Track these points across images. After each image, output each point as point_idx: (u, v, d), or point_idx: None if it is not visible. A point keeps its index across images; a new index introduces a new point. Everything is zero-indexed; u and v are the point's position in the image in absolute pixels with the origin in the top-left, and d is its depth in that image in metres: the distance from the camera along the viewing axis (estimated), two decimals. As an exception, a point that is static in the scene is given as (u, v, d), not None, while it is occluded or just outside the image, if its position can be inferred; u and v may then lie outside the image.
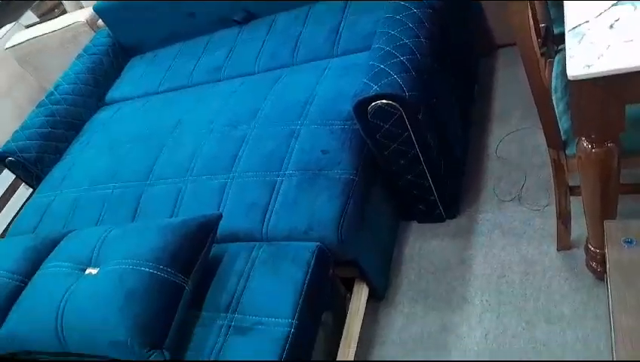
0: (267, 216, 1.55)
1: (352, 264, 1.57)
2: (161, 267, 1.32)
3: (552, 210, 1.62)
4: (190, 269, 1.37)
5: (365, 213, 1.56)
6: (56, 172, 2.29)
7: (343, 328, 1.57)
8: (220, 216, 1.47)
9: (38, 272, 1.50)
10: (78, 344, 1.30)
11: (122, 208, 1.87)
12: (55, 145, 2.39)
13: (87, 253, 1.45)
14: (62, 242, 1.60)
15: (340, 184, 1.50)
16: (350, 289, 1.66)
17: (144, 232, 1.42)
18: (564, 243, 1.58)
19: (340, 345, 1.54)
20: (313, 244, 1.40)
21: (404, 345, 1.61)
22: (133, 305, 1.26)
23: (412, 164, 1.60)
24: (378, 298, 1.71)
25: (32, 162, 2.32)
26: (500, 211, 1.78)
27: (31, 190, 2.91)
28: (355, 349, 1.54)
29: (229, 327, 1.33)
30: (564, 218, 1.49)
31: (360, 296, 1.63)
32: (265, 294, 1.36)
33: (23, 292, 1.48)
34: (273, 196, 1.58)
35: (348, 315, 1.60)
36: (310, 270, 1.35)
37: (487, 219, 1.78)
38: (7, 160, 2.32)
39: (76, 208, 2.01)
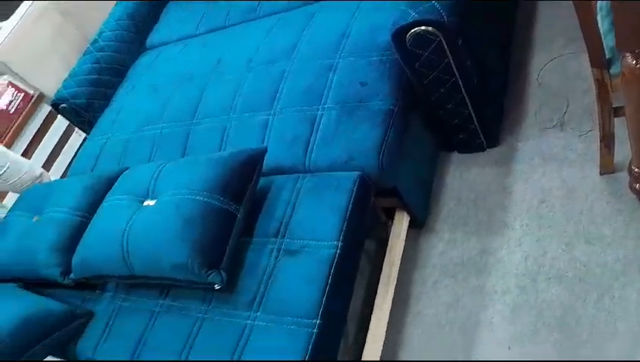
0: (309, 148, 1.60)
1: (393, 193, 1.62)
2: (214, 196, 1.41)
3: (595, 135, 1.61)
4: (241, 198, 1.46)
5: (405, 142, 1.59)
6: (106, 117, 2.40)
7: (384, 255, 1.65)
8: (265, 150, 1.54)
9: (101, 206, 1.62)
10: (143, 268, 1.43)
11: (171, 146, 1.96)
12: (103, 91, 2.49)
13: (143, 187, 1.56)
14: (119, 179, 1.71)
15: (380, 114, 1.53)
16: (391, 219, 1.72)
17: (196, 165, 1.50)
18: (606, 167, 1.57)
19: (383, 269, 1.62)
20: (355, 173, 1.46)
21: (444, 268, 1.68)
22: (190, 230, 1.36)
23: (452, 93, 1.61)
24: (418, 226, 1.77)
25: (84, 108, 2.44)
26: (541, 138, 1.78)
27: (83, 136, 3.07)
28: (397, 272, 1.62)
29: (279, 251, 1.43)
30: (607, 140, 1.48)
31: (401, 223, 1.69)
32: (311, 220, 1.43)
33: (90, 224, 1.61)
34: (314, 129, 1.63)
35: (389, 241, 1.67)
36: (352, 197, 1.41)
37: (528, 147, 1.78)
38: (60, 107, 2.44)
39: (128, 149, 2.13)
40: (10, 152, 2.50)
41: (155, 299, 1.56)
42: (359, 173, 1.46)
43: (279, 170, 1.63)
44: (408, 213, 1.70)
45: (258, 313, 1.34)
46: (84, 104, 2.44)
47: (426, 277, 1.69)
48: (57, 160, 3.17)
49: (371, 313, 1.57)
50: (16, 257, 1.75)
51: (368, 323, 1.56)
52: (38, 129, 3.10)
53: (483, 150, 1.85)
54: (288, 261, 1.39)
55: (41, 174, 2.49)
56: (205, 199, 1.41)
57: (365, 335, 1.54)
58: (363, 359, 1.49)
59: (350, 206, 1.40)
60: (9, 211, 1.99)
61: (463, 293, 1.61)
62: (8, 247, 1.78)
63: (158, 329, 1.48)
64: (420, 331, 1.61)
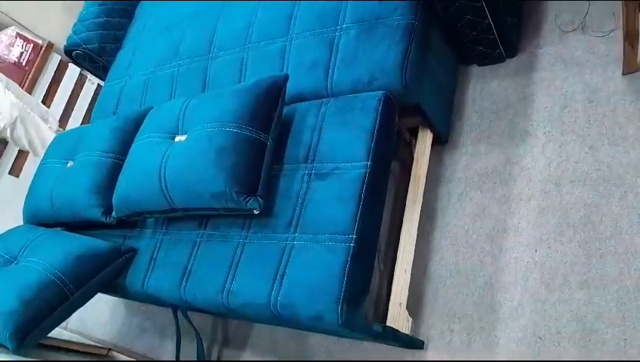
0: (330, 72, 1.61)
1: (416, 111, 1.63)
2: (243, 126, 1.45)
3: (619, 34, 1.59)
4: (268, 126, 1.49)
5: (426, 58, 1.58)
6: (121, 59, 2.40)
7: (409, 174, 1.69)
8: (286, 76, 1.55)
9: (133, 145, 1.67)
10: (182, 200, 1.49)
11: (191, 82, 1.98)
12: (114, 34, 2.48)
13: (172, 123, 1.60)
14: (146, 118, 1.74)
15: (400, 30, 1.52)
16: (415, 138, 1.75)
17: (221, 97, 1.53)
18: (630, 66, 1.56)
19: (409, 186, 1.67)
20: (379, 92, 1.47)
21: (469, 180, 1.72)
22: (224, 160, 1.41)
23: (471, 2, 1.57)
24: (442, 142, 1.80)
25: (97, 52, 2.43)
26: (561, 43, 1.75)
27: (96, 83, 3.08)
28: (423, 188, 1.67)
29: (310, 175, 1.47)
30: (631, 38, 1.46)
31: (425, 141, 1.71)
32: (338, 143, 1.46)
33: (125, 164, 1.67)
34: (333, 52, 1.62)
35: (414, 159, 1.71)
36: (379, 116, 1.43)
37: (549, 53, 1.76)
38: (73, 53, 2.44)
39: (148, 89, 2.14)
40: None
41: (195, 230, 1.64)
42: (383, 91, 1.47)
43: (301, 97, 1.64)
44: (432, 130, 1.72)
45: (296, 233, 1.41)
46: (97, 48, 2.43)
47: (452, 191, 1.74)
48: (75, 109, 3.20)
49: (399, 229, 1.64)
50: (57, 203, 1.84)
51: (397, 238, 1.63)
52: (52, 79, 3.12)
53: (502, 61, 1.84)
54: (320, 184, 1.44)
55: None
56: (235, 130, 1.44)
57: (395, 249, 1.62)
58: (396, 267, 1.57)
59: (377, 125, 1.42)
60: (43, 160, 2.05)
61: (488, 203, 1.66)
62: (48, 194, 1.86)
63: (201, 257, 1.57)
64: (447, 241, 1.68)
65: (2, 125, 2.47)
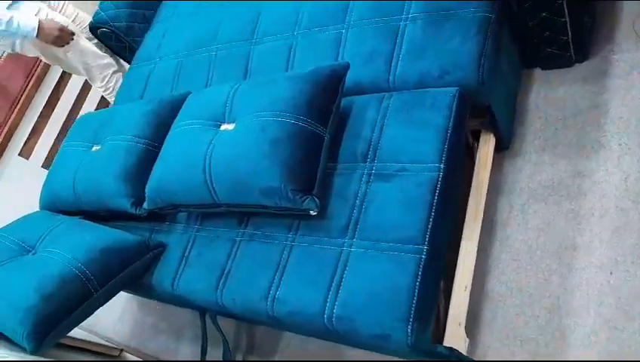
0: (393, 63, 1.47)
1: (483, 113, 1.49)
2: (301, 117, 1.30)
3: None
4: (326, 119, 1.35)
5: (499, 55, 1.45)
6: (149, 40, 2.25)
7: (471, 179, 1.55)
8: (347, 65, 1.41)
9: (171, 132, 1.52)
10: (228, 194, 1.34)
11: (231, 68, 1.83)
12: (143, 13, 2.33)
13: (218, 110, 1.45)
14: (186, 103, 1.60)
15: (475, 23, 1.38)
16: (477, 141, 1.61)
17: (275, 85, 1.38)
18: None
19: (471, 194, 1.54)
20: (453, 89, 1.33)
21: (532, 192, 1.59)
22: (279, 152, 1.27)
23: (551, -2, 1.44)
24: (503, 148, 1.66)
25: (124, 31, 2.28)
26: (639, 50, 1.62)
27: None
28: (485, 197, 1.53)
29: (370, 175, 1.33)
30: None
31: (487, 146, 1.58)
32: (404, 142, 1.33)
33: (162, 151, 1.52)
34: (397, 42, 1.48)
35: (476, 165, 1.57)
36: (453, 115, 1.30)
37: (625, 60, 1.63)
38: (99, 31, 2.29)
39: (180, 73, 2.00)
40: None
41: (234, 228, 1.49)
42: (457, 88, 1.33)
43: (359, 89, 1.50)
44: (495, 133, 1.58)
45: (354, 239, 1.27)
46: (125, 27, 2.28)
47: (513, 202, 1.60)
48: (91, 88, 3.04)
49: (459, 239, 1.50)
50: (81, 189, 1.68)
51: (457, 248, 1.49)
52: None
53: (570, 65, 1.70)
54: (382, 186, 1.30)
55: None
56: (291, 120, 1.30)
57: (455, 261, 1.48)
58: (455, 284, 1.43)
59: (450, 124, 1.29)
60: (65, 142, 1.90)
61: (554, 218, 1.52)
62: (71, 180, 1.71)
63: (242, 258, 1.42)
64: (508, 257, 1.54)
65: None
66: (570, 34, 1.58)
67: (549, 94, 1.71)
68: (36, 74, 2.88)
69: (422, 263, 1.16)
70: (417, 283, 1.14)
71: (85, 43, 2.31)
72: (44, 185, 1.87)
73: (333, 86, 1.37)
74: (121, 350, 2.06)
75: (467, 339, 1.43)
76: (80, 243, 1.49)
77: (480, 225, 1.51)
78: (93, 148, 1.75)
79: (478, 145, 1.60)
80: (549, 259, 1.48)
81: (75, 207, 1.74)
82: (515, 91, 1.70)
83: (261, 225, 1.45)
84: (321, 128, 1.33)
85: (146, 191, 1.51)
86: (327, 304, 1.22)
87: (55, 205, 1.78)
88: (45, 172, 2.89)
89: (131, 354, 2.06)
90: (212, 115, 1.46)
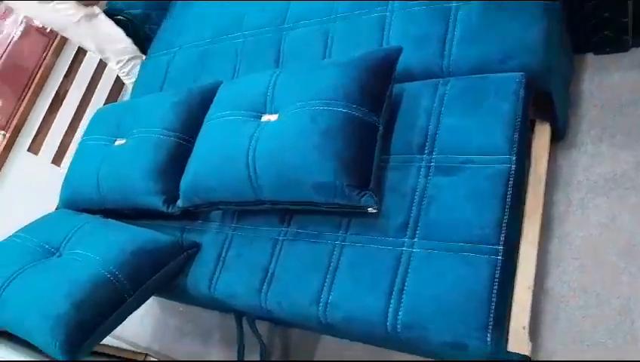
0: (446, 48, 1.36)
1: (541, 100, 1.39)
2: (353, 105, 1.20)
3: None
4: (380, 107, 1.24)
5: (561, 39, 1.34)
6: (168, 28, 2.14)
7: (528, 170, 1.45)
8: (400, 49, 1.30)
9: (206, 124, 1.41)
10: (274, 190, 1.24)
11: (260, 57, 1.72)
12: (158, 2, 2.20)
13: (258, 100, 1.34)
14: (219, 93, 1.48)
15: (541, 3, 1.27)
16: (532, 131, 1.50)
17: (322, 71, 1.27)
18: None
19: (529, 189, 1.43)
20: (518, 74, 1.22)
21: (592, 185, 1.48)
22: (332, 143, 1.16)
23: (617, -24, 1.34)
24: (558, 138, 1.55)
25: (140, 19, 2.16)
26: (703, 32, 1.52)
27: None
28: (543, 191, 1.43)
29: (429, 168, 1.23)
30: None
31: (544, 136, 1.47)
32: (467, 131, 1.22)
33: (197, 145, 1.41)
34: (450, 25, 1.37)
35: (532, 157, 1.46)
36: (520, 102, 1.19)
37: (687, 43, 1.53)
38: (114, 18, 2.16)
39: (204, 62, 1.88)
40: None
41: (275, 227, 1.39)
42: (523, 73, 1.22)
43: (408, 76, 1.39)
44: (552, 123, 1.48)
45: (415, 239, 1.17)
46: (141, 15, 2.16)
47: (571, 196, 1.50)
48: (98, 86, 2.92)
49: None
50: (105, 187, 1.57)
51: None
52: (78, 49, 2.83)
53: (626, 50, 1.60)
54: (445, 180, 1.20)
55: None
56: (344, 109, 1.19)
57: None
58: (517, 284, 1.33)
59: (519, 112, 1.18)
60: (83, 137, 1.78)
61: (619, 212, 1.42)
62: (94, 177, 1.59)
63: (286, 258, 1.32)
64: (568, 254, 1.44)
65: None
66: (631, 15, 1.47)
67: (604, 81, 1.60)
68: (43, 66, 2.75)
69: (498, 265, 1.06)
70: (494, 287, 1.04)
71: (107, 22, 2.15)
72: (64, 183, 1.75)
73: (385, 71, 1.26)
74: (146, 354, 1.96)
75: (530, 343, 1.34)
76: (110, 244, 1.38)
77: (539, 221, 1.40)
78: (117, 143, 1.63)
79: (533, 135, 1.49)
80: (615, 257, 1.38)
81: (98, 206, 1.63)
82: (569, 78, 1.60)
83: (305, 223, 1.35)
84: (375, 117, 1.22)
85: (181, 187, 1.40)
86: (390, 309, 1.12)
87: (77, 203, 1.67)
88: (55, 168, 2.80)
89: (156, 358, 1.96)
90: (251, 106, 1.34)
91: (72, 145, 2.82)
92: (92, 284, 1.26)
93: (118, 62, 2.23)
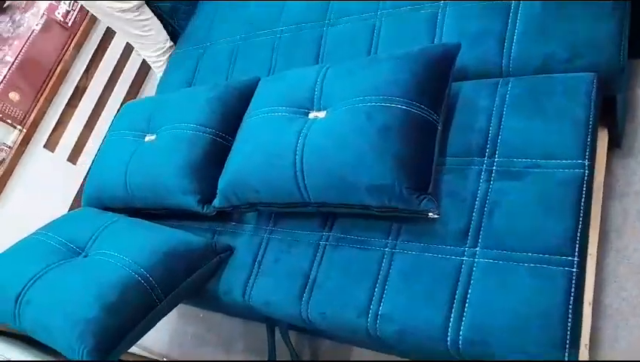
0: (506, 45, 1.28)
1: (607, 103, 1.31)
2: (413, 103, 1.11)
3: None
4: (439, 106, 1.16)
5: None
6: (198, 23, 2.06)
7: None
8: (459, 46, 1.22)
9: (248, 120, 1.33)
10: (323, 191, 1.15)
11: (299, 53, 1.64)
12: (187, -5, 2.13)
13: (305, 96, 1.26)
14: (259, 89, 1.40)
15: (608, 3, 1.19)
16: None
17: (378, 65, 1.19)
18: None
19: (586, 197, 1.34)
20: (590, 74, 1.14)
21: (652, 196, 1.40)
22: (390, 143, 1.08)
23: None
24: (614, 146, 1.47)
25: (168, 12, 2.09)
26: None
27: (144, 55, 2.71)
28: (601, 201, 1.34)
29: (491, 172, 1.14)
30: None
31: (602, 143, 1.38)
32: (532, 134, 1.13)
33: (238, 142, 1.33)
34: (510, 21, 1.29)
35: (589, 164, 1.38)
36: (593, 104, 1.11)
37: None
38: (142, 11, 2.09)
39: (237, 58, 1.80)
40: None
41: (316, 231, 1.30)
42: (594, 73, 1.14)
43: (462, 75, 1.31)
44: (610, 130, 1.39)
45: (477, 248, 1.08)
46: (169, 8, 2.08)
47: (628, 207, 1.41)
48: (119, 80, 2.85)
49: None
50: (134, 185, 1.48)
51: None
52: (98, 45, 2.77)
53: (685, 56, 1.52)
54: (509, 185, 1.11)
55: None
56: (402, 106, 1.11)
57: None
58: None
59: (592, 114, 1.09)
60: (109, 132, 1.70)
61: (683, 226, 1.34)
62: (122, 174, 1.50)
63: (330, 265, 1.23)
64: (627, 269, 1.35)
65: None
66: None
67: (661, 88, 1.52)
68: (63, 61, 2.68)
69: (574, 278, 0.97)
70: (570, 303, 0.95)
71: (149, 12, 2.06)
72: (89, 179, 1.67)
73: (444, 68, 1.18)
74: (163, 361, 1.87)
75: (591, 364, 1.25)
76: (140, 245, 1.29)
77: (597, 233, 1.32)
78: (147, 138, 1.55)
79: (590, 141, 1.41)
80: (678, 274, 1.29)
81: (124, 204, 1.54)
82: (627, 83, 1.51)
83: (350, 227, 1.26)
84: (435, 116, 1.14)
85: (219, 186, 1.32)
86: (451, 324, 1.03)
87: (102, 201, 1.58)
88: (71, 166, 2.72)
89: (176, 367, 1.86)
90: (298, 102, 1.26)
91: (88, 142, 2.75)
92: (123, 286, 1.18)
93: (157, 50, 2.14)
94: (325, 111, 1.21)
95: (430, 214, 1.08)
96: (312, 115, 1.23)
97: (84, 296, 1.15)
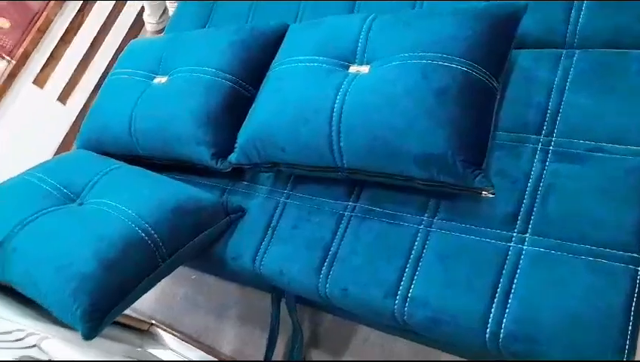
0: (573, 13, 1.15)
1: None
2: (475, 65, 0.99)
3: None
4: (500, 72, 1.04)
5: None
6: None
7: None
8: (526, 7, 1.08)
9: (278, 68, 1.18)
10: (361, 156, 1.02)
11: (330, 3, 1.48)
12: None
13: (346, 46, 1.12)
14: (289, 36, 1.26)
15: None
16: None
17: (436, 19, 1.05)
18: None
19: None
20: (670, 51, 1.02)
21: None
22: (447, 108, 0.95)
23: None
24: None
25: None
26: None
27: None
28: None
29: (547, 152, 1.03)
30: None
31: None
32: (598, 114, 1.02)
33: (266, 91, 1.18)
34: (578, -13, 1.16)
35: None
36: (673, 85, 0.99)
37: None
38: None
39: (257, 5, 1.64)
40: None
41: (340, 199, 1.18)
42: (676, 51, 1.02)
43: (520, 42, 1.17)
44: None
45: (527, 234, 0.97)
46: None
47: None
48: (117, 20, 2.64)
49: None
50: (140, 130, 1.33)
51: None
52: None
53: None
54: (567, 167, 1.00)
55: None
56: (462, 67, 0.98)
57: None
58: None
59: (671, 97, 0.98)
60: (114, 71, 1.53)
61: None
62: (125, 117, 1.35)
63: (354, 238, 1.11)
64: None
65: None
66: None
67: None
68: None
69: (638, 277, 0.87)
70: (633, 304, 0.85)
71: None
72: (87, 119, 1.51)
73: (509, 31, 1.05)
74: (151, 324, 1.75)
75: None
76: (145, 197, 1.15)
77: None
78: (156, 80, 1.39)
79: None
80: None
81: (126, 151, 1.39)
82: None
83: (380, 198, 1.14)
84: (495, 83, 1.01)
85: (239, 141, 1.18)
86: (492, 315, 0.93)
87: (101, 145, 1.43)
88: (60, 106, 2.53)
89: (163, 329, 1.75)
90: (337, 53, 1.12)
91: (80, 83, 2.56)
92: (125, 242, 1.04)
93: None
94: (369, 66, 1.07)
95: (484, 193, 0.96)
96: (352, 69, 1.09)
97: (80, 248, 1.02)
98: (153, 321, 1.77)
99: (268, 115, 1.12)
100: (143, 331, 1.73)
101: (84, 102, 2.48)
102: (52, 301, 1.00)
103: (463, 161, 0.94)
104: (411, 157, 0.97)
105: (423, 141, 0.95)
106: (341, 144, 1.03)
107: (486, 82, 0.99)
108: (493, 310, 0.93)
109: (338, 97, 1.03)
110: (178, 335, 1.75)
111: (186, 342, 1.72)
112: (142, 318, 1.77)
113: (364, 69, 1.07)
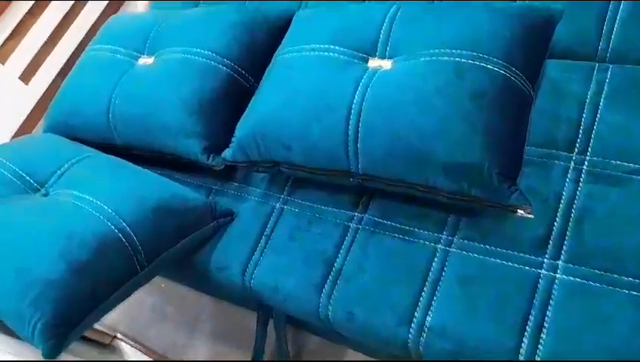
0: (606, 25, 1.07)
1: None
2: (513, 68, 0.89)
3: None
4: (536, 79, 0.94)
5: None
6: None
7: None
8: (562, 13, 1.00)
9: (289, 55, 1.04)
10: (380, 161, 0.90)
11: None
12: None
13: (366, 37, 0.99)
14: (300, 21, 1.13)
15: None
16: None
17: (470, 13, 0.94)
18: None
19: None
20: None
21: None
22: (484, 112, 0.84)
23: None
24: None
25: None
26: None
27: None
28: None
29: (580, 171, 0.94)
30: None
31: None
32: (637, 133, 0.94)
33: (269, 81, 1.04)
34: None
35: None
36: None
37: None
38: None
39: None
40: None
41: (344, 209, 1.06)
42: None
43: (549, 52, 1.10)
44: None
45: (559, 261, 0.87)
46: None
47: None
48: None
49: None
50: (121, 117, 1.17)
51: None
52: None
53: None
54: (604, 190, 0.91)
55: None
56: (500, 70, 0.88)
57: None
58: None
59: None
60: (91, 46, 1.36)
61: None
62: (103, 99, 1.19)
63: (361, 254, 0.99)
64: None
65: None
66: None
67: None
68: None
69: (688, 318, 0.78)
70: (681, 348, 0.77)
71: None
72: (56, 100, 1.33)
73: (545, 34, 0.97)
74: (114, 336, 1.57)
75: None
76: (124, 192, 1.00)
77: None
78: (142, 60, 1.23)
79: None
80: None
81: (101, 138, 1.23)
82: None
83: (391, 211, 1.02)
84: (531, 89, 0.92)
85: (238, 135, 1.03)
86: (523, 351, 0.82)
87: (72, 130, 1.25)
88: (22, 85, 2.30)
89: (127, 342, 1.57)
90: (356, 43, 1.00)
91: (46, 63, 2.34)
92: (98, 242, 0.88)
93: None
94: (391, 61, 0.96)
95: (520, 212, 0.86)
96: (372, 63, 0.97)
97: (45, 248, 0.85)
98: (117, 334, 1.59)
99: (274, 106, 0.99)
100: (104, 345, 1.54)
101: (48, 83, 2.27)
102: (7, 309, 0.83)
103: (499, 174, 0.83)
104: (439, 165, 0.85)
105: (454, 147, 0.84)
106: (358, 145, 0.90)
107: (523, 88, 0.90)
108: (524, 345, 0.82)
109: (358, 92, 0.91)
110: (143, 350, 1.57)
111: (152, 358, 1.54)
112: (104, 330, 1.59)
113: (386, 63, 0.96)
